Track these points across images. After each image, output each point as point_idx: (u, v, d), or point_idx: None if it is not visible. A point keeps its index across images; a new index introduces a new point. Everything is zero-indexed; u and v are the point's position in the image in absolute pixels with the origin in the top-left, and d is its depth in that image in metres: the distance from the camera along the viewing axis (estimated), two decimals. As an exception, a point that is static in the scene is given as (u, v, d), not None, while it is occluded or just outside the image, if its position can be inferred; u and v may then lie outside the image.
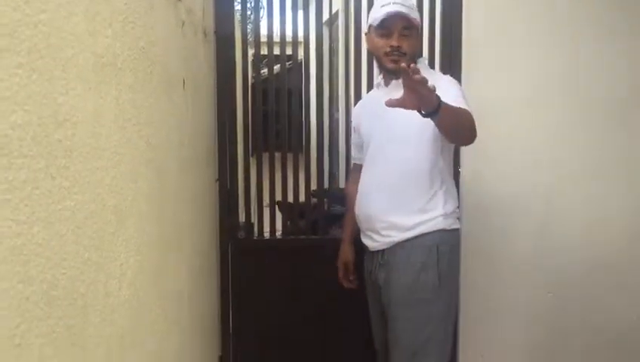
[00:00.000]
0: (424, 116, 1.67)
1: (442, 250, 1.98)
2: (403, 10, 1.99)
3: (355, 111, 2.43)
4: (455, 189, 2.10)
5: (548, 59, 2.68)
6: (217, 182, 2.64)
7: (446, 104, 1.68)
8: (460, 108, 1.80)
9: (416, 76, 1.54)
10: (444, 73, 2.33)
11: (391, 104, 1.64)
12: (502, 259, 2.75)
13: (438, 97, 1.63)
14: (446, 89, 1.88)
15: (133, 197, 1.13)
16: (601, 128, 2.71)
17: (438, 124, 1.75)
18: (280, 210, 2.86)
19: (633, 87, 2.70)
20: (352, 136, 2.40)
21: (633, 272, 2.78)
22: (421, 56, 2.15)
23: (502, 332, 2.78)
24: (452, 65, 2.53)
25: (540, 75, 2.69)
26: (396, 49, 2.01)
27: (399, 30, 2.01)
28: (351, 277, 2.33)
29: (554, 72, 2.69)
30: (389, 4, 2.02)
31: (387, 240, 2.04)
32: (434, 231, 1.99)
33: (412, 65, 1.59)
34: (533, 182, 2.72)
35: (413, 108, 1.63)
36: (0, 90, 0.56)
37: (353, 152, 2.40)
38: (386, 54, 2.04)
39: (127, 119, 1.09)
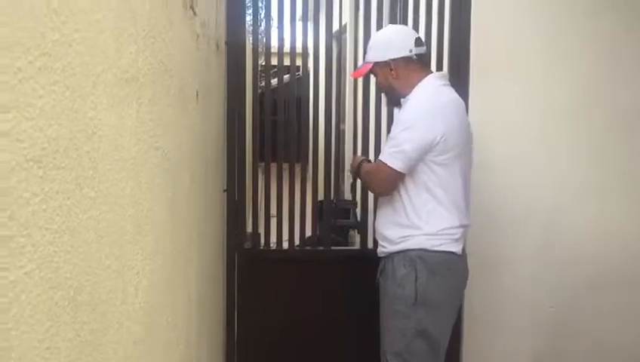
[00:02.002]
0: None
1: (421, 268, 2.04)
2: (365, 58, 2.27)
3: None
4: (450, 209, 2.07)
5: (552, 78, 2.72)
6: (225, 193, 2.67)
7: (363, 171, 2.25)
8: (370, 170, 2.19)
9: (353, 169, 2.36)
10: (452, 84, 2.34)
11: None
12: (504, 272, 2.77)
13: (358, 173, 2.30)
14: (393, 129, 2.13)
15: (149, 207, 1.16)
16: (603, 146, 2.75)
17: None
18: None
19: (635, 106, 2.73)
20: None
21: (634, 288, 2.80)
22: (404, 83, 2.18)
23: (503, 343, 2.80)
24: (459, 82, 2.56)
25: (542, 94, 2.73)
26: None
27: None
28: None
29: (557, 91, 2.73)
30: None
31: (382, 250, 2.18)
32: (415, 249, 2.06)
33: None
34: (536, 197, 2.75)
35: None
36: (40, 105, 0.59)
37: None
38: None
39: (145, 131, 1.12)
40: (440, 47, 2.68)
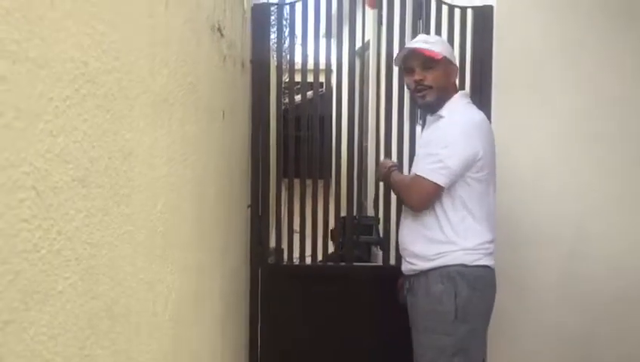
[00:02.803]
0: None
1: (461, 284, 2.02)
2: (420, 46, 2.11)
3: None
4: (484, 224, 2.09)
5: (576, 91, 2.72)
6: (249, 208, 2.71)
7: (394, 180, 2.22)
8: (403, 181, 2.17)
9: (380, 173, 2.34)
10: (475, 101, 2.35)
11: None
12: (530, 287, 2.77)
13: (387, 176, 2.27)
14: (428, 143, 2.08)
15: (178, 223, 1.20)
16: (628, 159, 2.74)
17: None
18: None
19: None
20: None
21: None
22: (449, 87, 2.17)
23: (529, 357, 2.79)
24: (482, 99, 2.58)
25: (568, 107, 2.73)
26: (420, 83, 2.11)
27: (420, 65, 2.11)
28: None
29: (581, 104, 2.73)
30: (411, 43, 2.17)
31: (411, 267, 2.14)
32: (454, 265, 2.03)
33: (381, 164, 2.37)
34: (561, 211, 2.75)
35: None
36: (84, 129, 0.64)
37: None
38: (414, 91, 2.15)
39: (175, 150, 1.17)
40: (462, 64, 2.70)
